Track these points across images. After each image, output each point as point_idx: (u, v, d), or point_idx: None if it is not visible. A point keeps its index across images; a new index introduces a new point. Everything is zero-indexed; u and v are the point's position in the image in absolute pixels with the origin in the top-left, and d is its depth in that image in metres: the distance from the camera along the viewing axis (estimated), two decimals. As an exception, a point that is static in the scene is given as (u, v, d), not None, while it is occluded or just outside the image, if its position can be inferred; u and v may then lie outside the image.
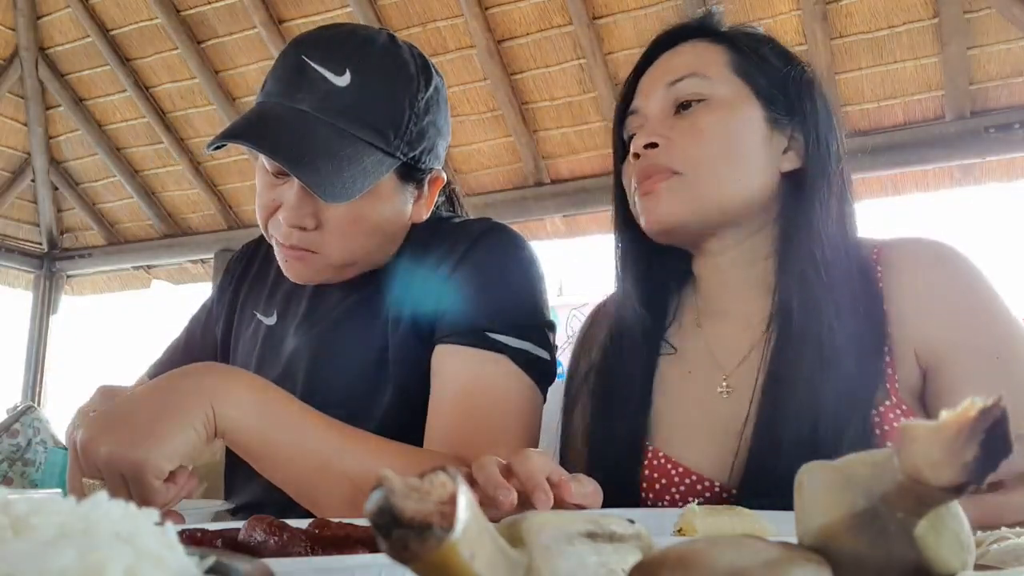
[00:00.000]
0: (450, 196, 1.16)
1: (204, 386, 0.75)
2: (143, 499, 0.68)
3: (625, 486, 0.88)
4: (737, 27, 0.99)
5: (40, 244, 5.07)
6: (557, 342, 1.00)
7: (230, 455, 1.06)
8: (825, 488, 0.29)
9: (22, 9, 4.22)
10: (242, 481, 1.04)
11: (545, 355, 0.94)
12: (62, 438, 3.11)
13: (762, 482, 0.80)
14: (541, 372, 0.93)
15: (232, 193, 4.49)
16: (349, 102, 0.87)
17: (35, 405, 3.47)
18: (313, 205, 0.90)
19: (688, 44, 0.95)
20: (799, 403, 0.80)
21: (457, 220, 1.08)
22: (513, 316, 0.93)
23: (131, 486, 0.69)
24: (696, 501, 0.85)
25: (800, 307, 0.84)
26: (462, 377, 0.90)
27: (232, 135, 0.86)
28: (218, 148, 0.88)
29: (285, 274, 0.97)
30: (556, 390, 1.03)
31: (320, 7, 3.65)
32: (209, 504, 0.97)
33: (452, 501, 0.24)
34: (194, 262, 4.75)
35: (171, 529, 0.27)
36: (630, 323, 0.95)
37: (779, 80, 0.91)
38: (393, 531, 0.23)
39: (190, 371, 0.78)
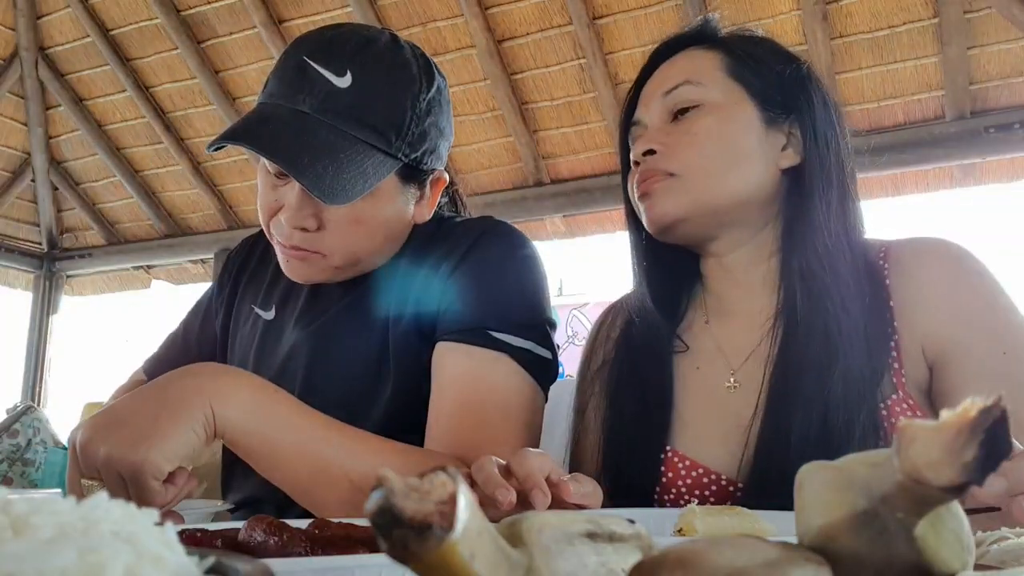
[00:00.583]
0: (453, 197, 1.16)
1: (203, 387, 0.75)
2: (142, 500, 0.68)
3: (642, 486, 0.89)
4: (734, 30, 1.01)
5: (40, 244, 5.07)
6: (557, 341, 1.00)
7: (227, 452, 1.06)
8: (825, 488, 0.29)
9: (22, 9, 4.22)
10: (239, 478, 1.03)
11: (547, 354, 0.94)
12: (62, 438, 3.12)
13: (770, 476, 0.81)
14: (543, 371, 0.93)
15: (232, 193, 4.49)
16: (350, 103, 0.87)
17: (35, 405, 3.46)
18: (314, 206, 0.90)
19: (684, 53, 0.99)
20: (806, 396, 0.81)
21: (459, 219, 1.08)
22: (515, 315, 0.93)
23: (130, 487, 0.69)
24: (706, 494, 0.86)
25: (804, 301, 0.86)
26: (463, 376, 0.90)
27: (232, 136, 0.86)
28: (219, 149, 0.88)
29: (287, 274, 0.97)
30: (557, 390, 1.04)
31: (320, 7, 3.65)
32: (209, 504, 0.97)
33: (452, 501, 0.24)
34: (194, 262, 4.75)
35: (171, 529, 0.27)
36: (644, 323, 0.98)
37: (774, 78, 0.93)
38: (393, 531, 0.23)
39: (190, 371, 0.78)
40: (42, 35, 4.36)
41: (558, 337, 1.01)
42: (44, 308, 5.07)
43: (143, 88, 4.23)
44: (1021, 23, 2.78)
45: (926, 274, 0.86)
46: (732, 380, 0.91)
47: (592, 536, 0.29)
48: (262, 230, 1.16)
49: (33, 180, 4.82)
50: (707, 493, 0.87)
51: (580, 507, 0.67)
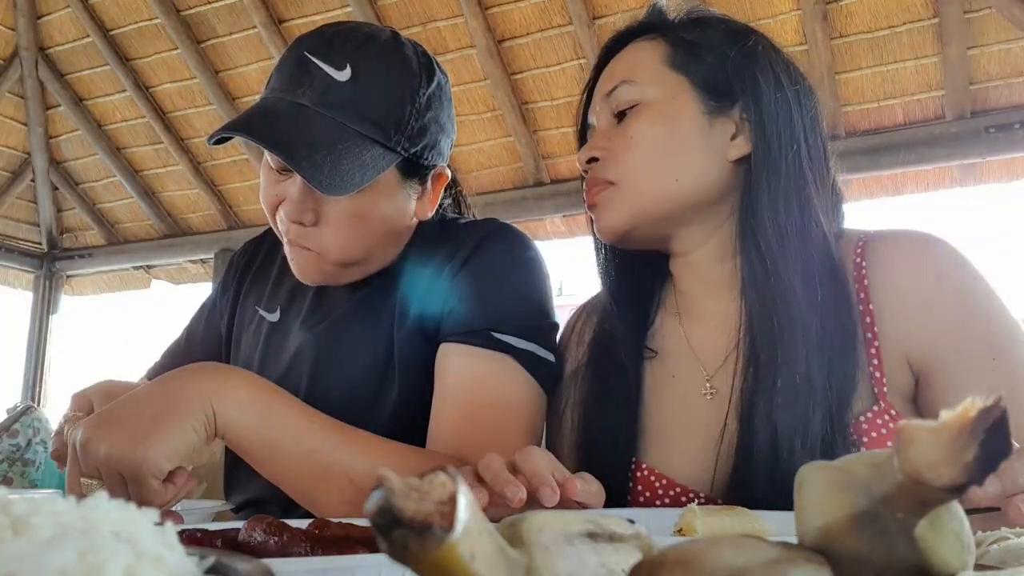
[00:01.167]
0: (456, 198, 1.16)
1: (204, 386, 0.75)
2: (142, 499, 0.68)
3: (612, 502, 0.84)
4: (683, 15, 0.94)
5: (40, 244, 5.07)
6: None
7: (229, 453, 1.06)
8: (825, 488, 0.29)
9: (22, 9, 4.22)
10: (243, 480, 1.03)
11: (549, 356, 0.94)
12: (62, 438, 3.11)
13: (739, 485, 0.78)
14: (545, 373, 0.93)
15: (232, 193, 4.49)
16: (349, 97, 0.87)
17: (35, 405, 3.46)
18: (314, 200, 0.89)
19: (628, 48, 0.93)
20: (762, 406, 0.77)
21: (463, 221, 1.08)
22: (518, 317, 0.93)
23: (130, 486, 0.69)
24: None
25: (755, 303, 0.81)
26: (466, 376, 0.90)
27: (232, 128, 0.87)
28: (219, 142, 0.88)
29: (295, 273, 0.97)
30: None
31: (320, 7, 3.65)
32: (209, 504, 0.97)
33: (452, 501, 0.24)
34: (194, 262, 4.75)
35: (171, 529, 0.27)
36: (612, 330, 0.94)
37: (720, 62, 0.87)
38: (393, 531, 0.23)
39: (190, 371, 0.78)
40: (42, 35, 4.36)
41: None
42: (44, 308, 5.07)
43: (143, 88, 4.23)
44: (1021, 23, 2.78)
45: (908, 276, 0.80)
46: (708, 387, 0.87)
47: (592, 536, 0.29)
48: (265, 232, 1.16)
49: (33, 180, 4.81)
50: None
51: (582, 506, 0.67)
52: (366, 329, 0.99)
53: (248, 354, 1.09)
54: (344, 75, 0.87)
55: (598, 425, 0.90)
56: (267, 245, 1.17)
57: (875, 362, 0.79)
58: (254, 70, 3.92)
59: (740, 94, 0.86)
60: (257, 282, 1.14)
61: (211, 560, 0.28)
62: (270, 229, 1.06)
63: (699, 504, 0.80)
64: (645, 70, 0.89)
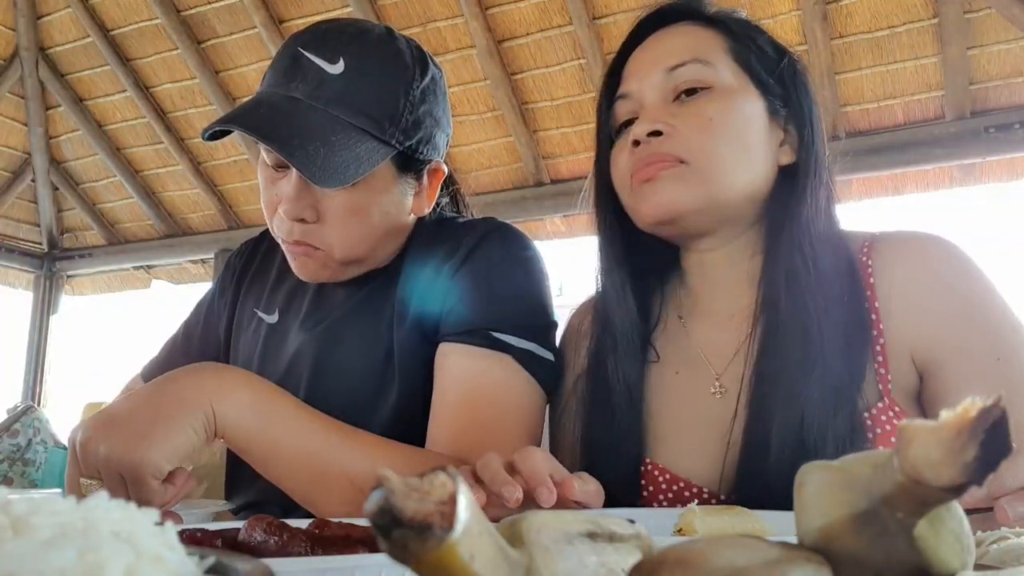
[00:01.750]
0: (455, 196, 1.16)
1: (204, 386, 0.75)
2: (141, 499, 0.68)
3: (621, 503, 0.84)
4: (726, 11, 0.94)
5: (40, 244, 5.07)
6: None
7: (231, 454, 1.06)
8: (825, 488, 0.29)
9: (22, 9, 4.22)
10: (244, 481, 1.03)
11: (549, 356, 0.94)
12: (62, 438, 3.11)
13: (750, 484, 0.78)
14: (545, 373, 0.93)
15: (232, 193, 4.49)
16: (342, 90, 0.87)
17: (35, 405, 3.46)
18: (311, 197, 0.89)
19: (681, 26, 0.91)
20: (784, 400, 0.77)
21: (461, 220, 1.08)
22: (517, 316, 0.93)
23: (129, 486, 0.69)
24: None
25: (787, 300, 0.81)
26: (466, 376, 0.90)
27: (225, 121, 0.87)
28: (213, 137, 0.88)
29: (297, 275, 0.97)
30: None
31: (320, 7, 3.65)
32: (209, 504, 0.97)
33: (452, 501, 0.24)
34: (194, 262, 4.75)
35: (171, 529, 0.27)
36: (617, 329, 0.92)
37: (774, 70, 0.88)
38: (393, 531, 0.23)
39: (190, 371, 0.78)
40: (42, 35, 4.36)
41: (558, 338, 1.01)
42: (44, 308, 5.07)
43: (143, 88, 4.23)
44: (1021, 23, 2.78)
45: (914, 275, 0.81)
46: (717, 385, 0.86)
47: (592, 536, 0.29)
48: (263, 232, 1.15)
49: (33, 180, 4.81)
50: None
51: (581, 506, 0.67)
52: (365, 329, 0.98)
53: (247, 355, 1.08)
54: (337, 68, 0.88)
55: (605, 427, 0.89)
56: (265, 246, 1.17)
57: (880, 359, 0.80)
58: (254, 70, 3.92)
59: (788, 103, 0.88)
60: (256, 283, 1.14)
61: (211, 560, 0.28)
62: (268, 229, 1.06)
63: (713, 503, 0.81)
64: (715, 55, 0.87)
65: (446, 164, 1.02)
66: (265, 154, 0.91)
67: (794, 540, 0.30)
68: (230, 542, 0.48)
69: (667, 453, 0.87)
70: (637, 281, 0.94)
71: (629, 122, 0.91)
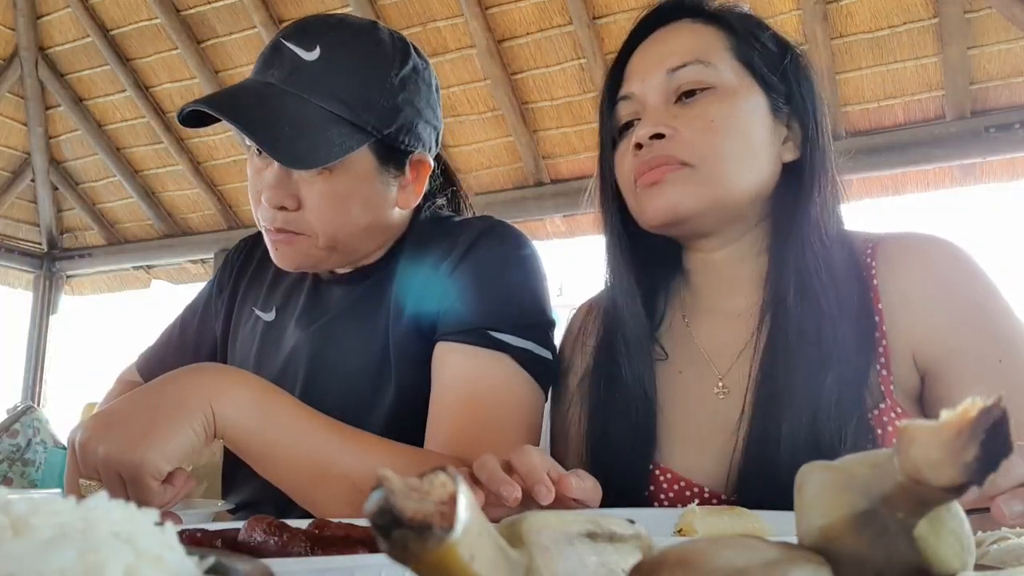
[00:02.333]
0: (453, 196, 1.16)
1: (203, 386, 0.75)
2: (141, 500, 0.68)
3: (631, 501, 0.84)
4: (728, 7, 0.93)
5: (40, 244, 5.07)
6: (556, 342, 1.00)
7: (228, 453, 1.06)
8: (825, 488, 0.29)
9: (22, 9, 4.22)
10: (241, 480, 1.03)
11: (547, 355, 0.94)
12: (62, 438, 3.11)
13: (758, 483, 0.78)
14: (543, 371, 0.93)
15: (232, 193, 4.49)
16: (317, 76, 0.88)
17: (35, 405, 3.47)
18: (292, 185, 0.90)
19: (682, 24, 0.90)
20: (795, 399, 0.77)
21: (458, 219, 1.08)
22: (515, 315, 0.93)
23: (129, 487, 0.69)
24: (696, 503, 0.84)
25: (796, 299, 0.81)
26: (463, 376, 0.90)
27: (199, 103, 0.87)
28: (189, 122, 0.89)
29: (276, 263, 0.97)
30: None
31: (320, 7, 3.65)
32: (209, 504, 0.97)
33: (452, 501, 0.24)
34: (194, 262, 4.75)
35: (171, 529, 0.27)
36: (628, 328, 0.91)
37: (777, 67, 0.87)
38: (393, 531, 0.23)
39: (189, 371, 0.78)
40: (42, 35, 4.36)
41: (557, 337, 1.01)
42: (44, 308, 5.07)
43: (143, 88, 4.23)
44: (1021, 23, 2.78)
45: (917, 277, 0.81)
46: (720, 385, 0.86)
47: (592, 536, 0.29)
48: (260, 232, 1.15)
49: (33, 180, 4.81)
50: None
51: (580, 503, 0.67)
52: (362, 328, 0.98)
53: (244, 354, 1.08)
54: (312, 55, 0.89)
55: (612, 428, 0.89)
56: (263, 245, 1.17)
57: (883, 361, 0.80)
58: (254, 70, 3.92)
59: (792, 100, 0.87)
60: (253, 282, 1.14)
61: (211, 560, 0.28)
62: None
63: (715, 503, 0.81)
64: (716, 54, 0.87)
65: (442, 161, 1.02)
66: (249, 143, 0.91)
67: (794, 540, 0.30)
68: (230, 542, 0.48)
69: (675, 457, 0.86)
70: (645, 282, 0.94)
71: (631, 123, 0.91)
